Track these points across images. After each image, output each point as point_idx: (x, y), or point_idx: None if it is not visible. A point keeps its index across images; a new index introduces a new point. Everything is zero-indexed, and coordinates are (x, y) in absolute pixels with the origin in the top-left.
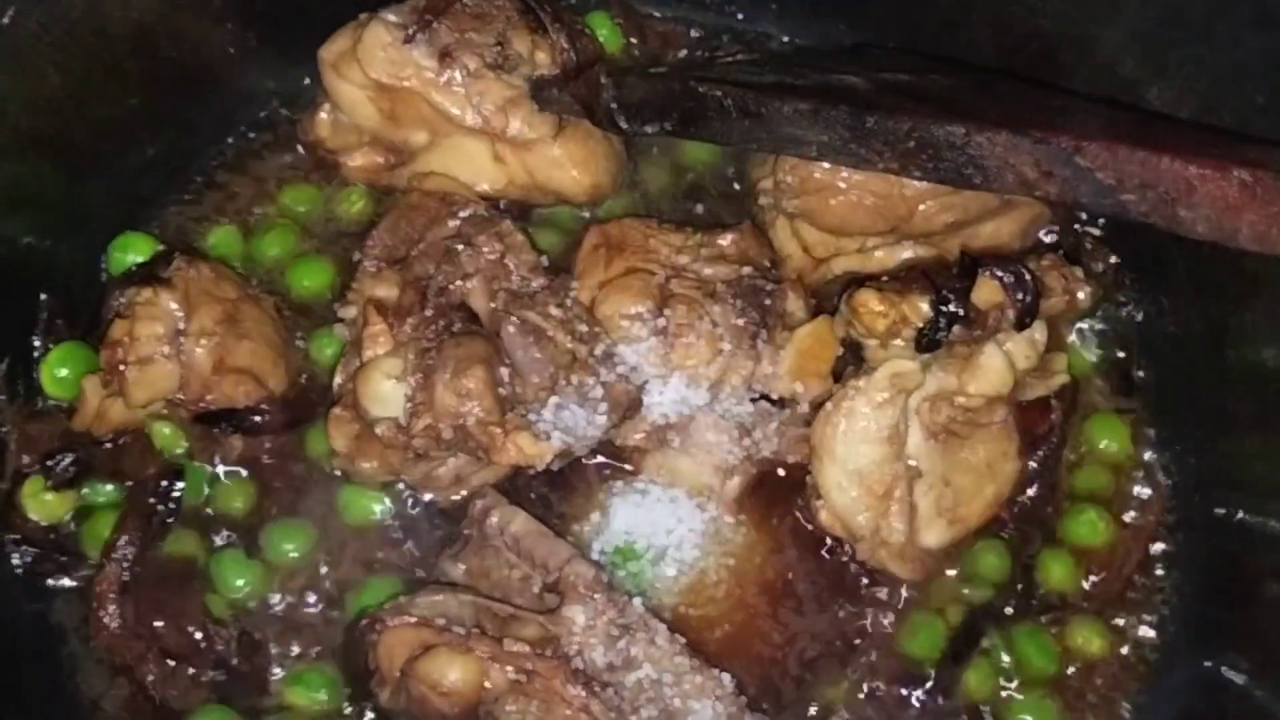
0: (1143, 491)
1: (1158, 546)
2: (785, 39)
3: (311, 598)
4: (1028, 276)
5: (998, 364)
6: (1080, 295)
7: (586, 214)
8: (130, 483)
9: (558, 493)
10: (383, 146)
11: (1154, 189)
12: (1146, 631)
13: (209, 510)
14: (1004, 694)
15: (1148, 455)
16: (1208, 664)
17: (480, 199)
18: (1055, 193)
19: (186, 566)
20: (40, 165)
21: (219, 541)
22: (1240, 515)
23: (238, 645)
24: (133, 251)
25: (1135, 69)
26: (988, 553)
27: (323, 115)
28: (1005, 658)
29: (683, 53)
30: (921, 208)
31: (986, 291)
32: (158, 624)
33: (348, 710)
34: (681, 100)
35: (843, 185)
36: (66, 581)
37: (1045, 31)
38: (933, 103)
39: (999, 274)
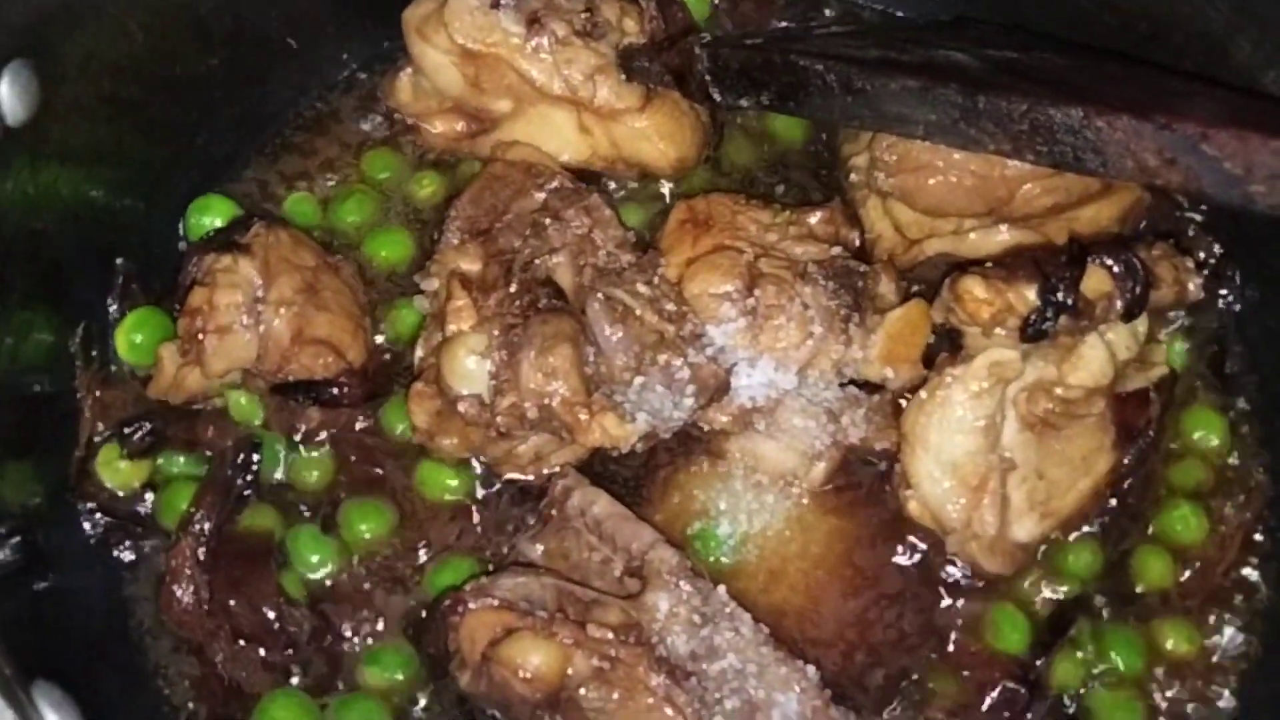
0: (1241, 487)
1: (1256, 544)
2: (879, 8)
3: (388, 575)
4: (1139, 266)
5: (1100, 355)
6: (1191, 286)
7: (667, 188)
8: (206, 454)
9: (638, 473)
10: (465, 113)
11: None
12: (1242, 633)
13: (286, 483)
14: (1091, 687)
15: (1247, 450)
16: None
17: (564, 170)
18: (1177, 181)
19: (263, 542)
20: (120, 126)
21: (295, 515)
22: None
23: (311, 627)
24: (211, 214)
25: (1252, 52)
26: (1079, 548)
27: (404, 78)
28: (1091, 648)
29: (773, 22)
30: (1023, 190)
31: (1095, 280)
32: (232, 602)
33: (423, 690)
34: (780, 73)
35: (942, 165)
36: (141, 553)
37: (1154, 10)
38: (1047, 83)
39: (1109, 263)
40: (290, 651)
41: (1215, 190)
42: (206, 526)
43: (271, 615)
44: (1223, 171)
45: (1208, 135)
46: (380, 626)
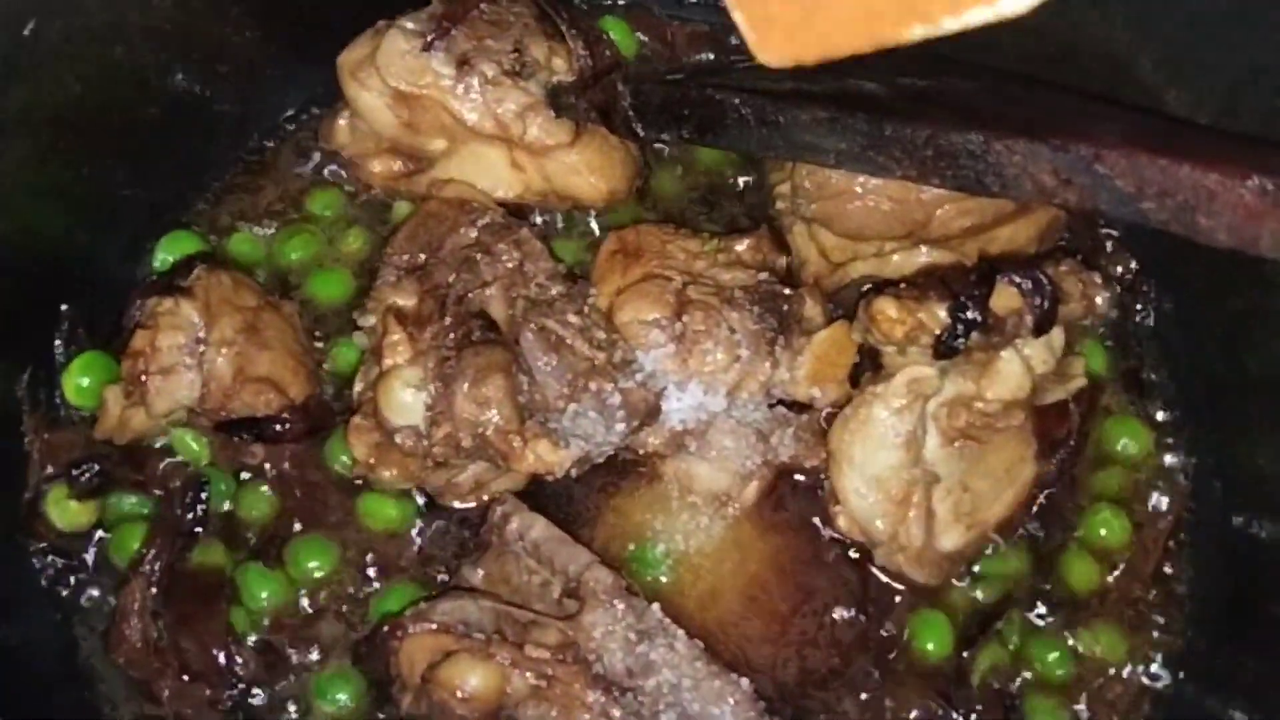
0: (1162, 494)
1: (1176, 549)
2: None
3: (334, 605)
4: (1045, 282)
5: (1015, 369)
6: (1098, 300)
7: (594, 220)
8: (156, 492)
9: (576, 498)
10: (401, 153)
11: (1173, 197)
12: (1166, 633)
13: (233, 519)
14: (1018, 686)
15: (1167, 458)
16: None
17: (498, 206)
18: (1074, 200)
19: (214, 578)
20: (63, 174)
21: (243, 550)
22: (1260, 517)
23: (260, 664)
24: (178, 250)
25: (1154, 72)
26: (1006, 556)
27: (341, 121)
28: (1017, 639)
29: (707, 56)
30: (939, 213)
31: (1004, 298)
32: (182, 640)
33: (372, 716)
34: (698, 107)
35: (860, 190)
36: (91, 593)
37: (1063, 34)
38: (950, 109)
39: (1017, 280)
40: (237, 689)
41: (1110, 207)
42: (158, 566)
43: (221, 657)
44: (1116, 190)
45: (1100, 155)
46: (329, 656)
